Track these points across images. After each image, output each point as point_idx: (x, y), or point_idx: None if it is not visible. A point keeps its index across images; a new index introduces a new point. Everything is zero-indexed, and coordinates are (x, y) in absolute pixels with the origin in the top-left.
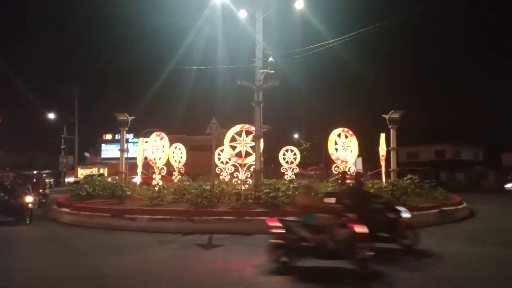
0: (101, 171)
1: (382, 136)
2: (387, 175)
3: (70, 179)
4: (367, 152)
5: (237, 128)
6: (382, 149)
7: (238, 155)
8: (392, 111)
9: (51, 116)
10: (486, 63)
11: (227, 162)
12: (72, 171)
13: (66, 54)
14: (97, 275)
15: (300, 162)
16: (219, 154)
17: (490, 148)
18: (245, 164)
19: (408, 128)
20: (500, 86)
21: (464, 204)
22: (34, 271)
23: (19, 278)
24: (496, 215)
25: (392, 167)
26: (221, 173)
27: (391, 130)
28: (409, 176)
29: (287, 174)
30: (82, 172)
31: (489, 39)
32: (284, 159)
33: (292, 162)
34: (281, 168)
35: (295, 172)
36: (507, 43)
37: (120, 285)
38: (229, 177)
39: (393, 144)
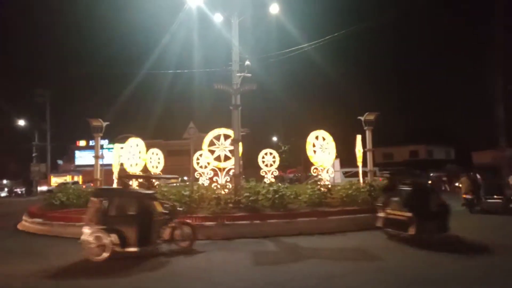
0: (76, 178)
1: (359, 137)
2: (364, 175)
3: (43, 188)
4: (345, 153)
5: (215, 132)
6: (359, 151)
7: (217, 159)
8: (367, 113)
9: (21, 122)
10: (457, 67)
11: (206, 167)
12: (45, 179)
13: (36, 58)
14: (73, 286)
15: (279, 165)
16: (197, 159)
17: (461, 147)
18: (224, 168)
19: (384, 130)
20: (470, 88)
21: None
22: (7, 284)
23: None
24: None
25: (368, 168)
26: (200, 178)
27: (367, 132)
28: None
29: (266, 177)
30: (55, 180)
31: (459, 43)
32: (263, 162)
33: (271, 165)
34: (260, 171)
35: (274, 175)
36: (476, 47)
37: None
38: (208, 181)
39: (369, 145)
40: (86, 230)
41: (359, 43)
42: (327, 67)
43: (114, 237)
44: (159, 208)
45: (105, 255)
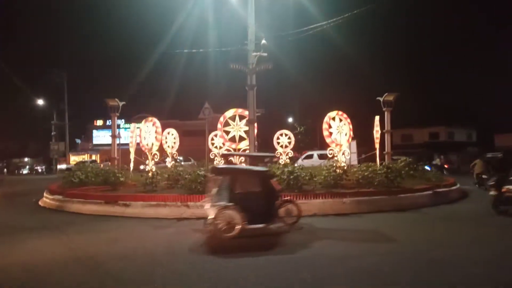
0: (93, 157)
1: (377, 118)
2: (382, 157)
3: (62, 166)
4: (362, 135)
5: (230, 112)
6: (377, 132)
7: (232, 139)
8: (386, 94)
9: (41, 102)
10: (479, 45)
11: (221, 147)
12: (64, 157)
13: (54, 39)
14: (92, 261)
15: (294, 146)
16: (212, 139)
17: (483, 129)
18: (239, 149)
19: (402, 111)
20: (493, 68)
21: (458, 186)
22: (28, 259)
23: (12, 267)
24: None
25: (386, 150)
26: (215, 158)
27: (385, 113)
28: (403, 158)
29: (281, 159)
30: (74, 159)
31: (481, 21)
32: (278, 143)
33: (286, 146)
34: (276, 153)
35: (289, 156)
36: (499, 25)
37: (115, 269)
38: (223, 162)
39: (387, 126)
40: (210, 208)
41: (378, 21)
42: (345, 46)
43: (243, 214)
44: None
45: (235, 232)
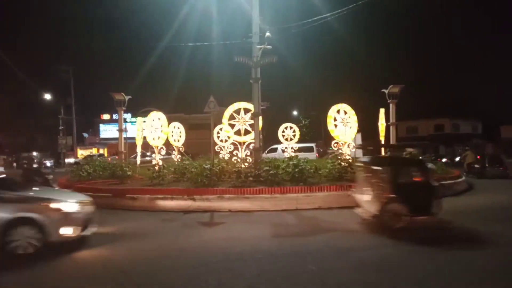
0: (101, 151)
1: (382, 111)
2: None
3: (70, 160)
4: (367, 127)
5: (235, 106)
6: (382, 124)
7: (237, 133)
8: (391, 86)
9: (48, 97)
10: (484, 37)
11: (226, 141)
12: (72, 152)
13: (60, 33)
14: (101, 253)
15: (299, 139)
16: (218, 133)
17: (488, 121)
18: (244, 142)
19: (407, 103)
20: (499, 59)
21: (463, 178)
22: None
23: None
24: (493, 188)
25: (391, 142)
26: (221, 152)
27: (391, 105)
28: (408, 150)
29: (286, 151)
30: (81, 153)
31: (487, 14)
32: (283, 136)
33: (291, 139)
34: (280, 145)
35: (294, 149)
36: (505, 18)
37: (124, 263)
38: (228, 155)
39: (392, 119)
40: (372, 199)
41: (383, 13)
42: (350, 38)
43: (408, 205)
44: None
45: (403, 223)
